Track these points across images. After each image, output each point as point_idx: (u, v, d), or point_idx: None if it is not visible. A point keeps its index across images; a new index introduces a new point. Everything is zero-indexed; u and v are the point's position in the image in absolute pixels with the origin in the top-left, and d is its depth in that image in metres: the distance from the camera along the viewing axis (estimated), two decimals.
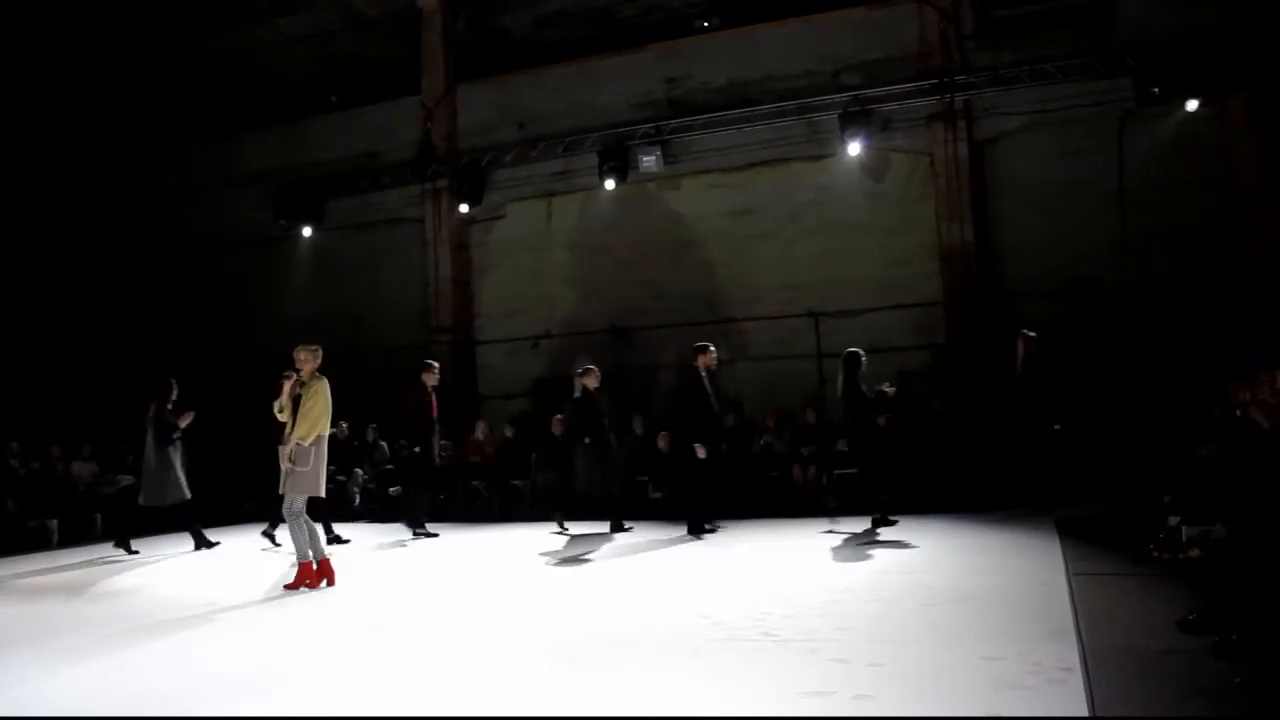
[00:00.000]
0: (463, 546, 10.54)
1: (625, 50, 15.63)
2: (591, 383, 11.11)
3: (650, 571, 8.31)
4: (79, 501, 13.06)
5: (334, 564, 7.99)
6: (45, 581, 9.06)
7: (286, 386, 7.89)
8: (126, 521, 11.08)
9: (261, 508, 11.77)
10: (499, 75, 16.61)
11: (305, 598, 7.52)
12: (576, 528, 11.07)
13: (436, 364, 11.66)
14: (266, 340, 17.31)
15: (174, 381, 10.81)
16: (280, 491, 7.85)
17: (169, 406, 10.69)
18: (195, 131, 18.16)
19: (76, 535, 12.22)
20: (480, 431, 14.13)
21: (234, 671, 5.21)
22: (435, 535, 11.23)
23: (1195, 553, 6.82)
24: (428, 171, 16.43)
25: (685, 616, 6.02)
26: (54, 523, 12.36)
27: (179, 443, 10.75)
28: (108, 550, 10.71)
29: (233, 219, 17.82)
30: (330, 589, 7.75)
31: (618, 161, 14.85)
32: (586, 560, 9.03)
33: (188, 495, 10.72)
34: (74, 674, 5.26)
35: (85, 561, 10.29)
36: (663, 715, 4.10)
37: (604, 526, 10.98)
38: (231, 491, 14.10)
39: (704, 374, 10.52)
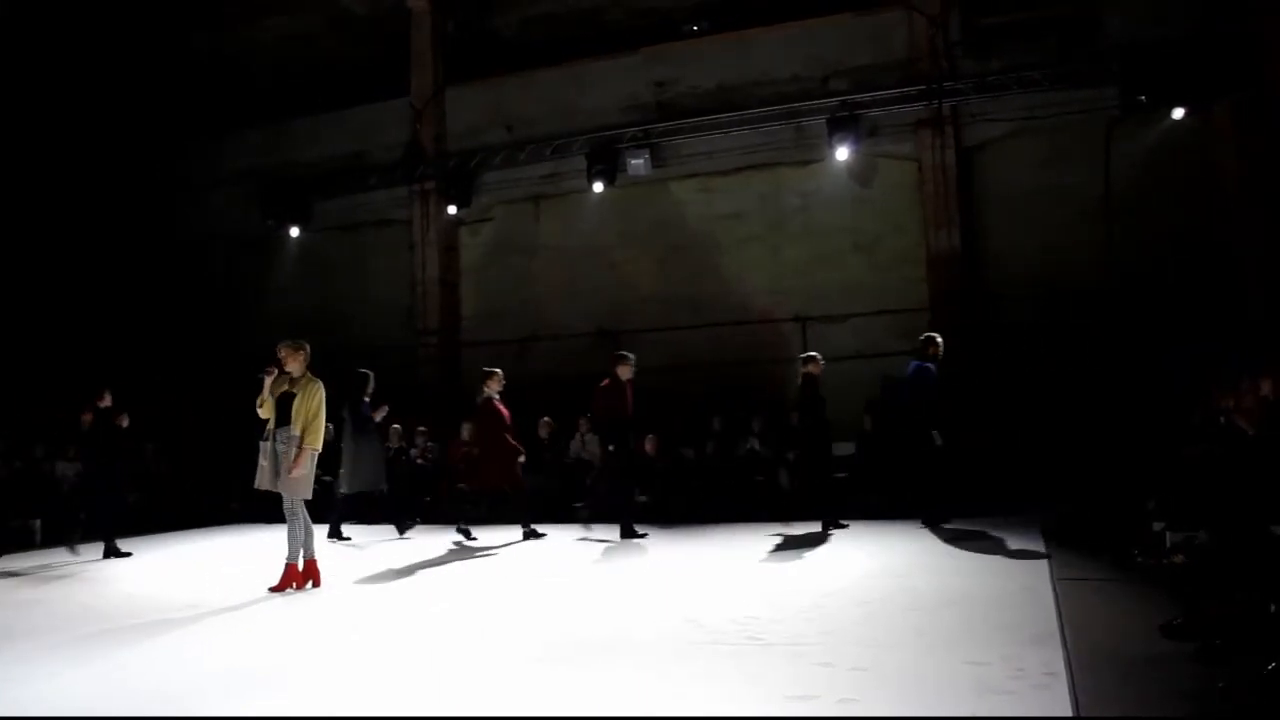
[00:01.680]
0: (448, 548, 10.51)
1: (614, 53, 15.63)
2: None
3: (636, 575, 8.31)
4: (62, 501, 12.97)
5: (328, 564, 7.95)
6: (38, 580, 9.00)
7: (267, 382, 7.86)
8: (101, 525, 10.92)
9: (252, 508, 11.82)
10: (488, 77, 16.58)
11: (300, 597, 7.49)
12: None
13: (631, 355, 10.97)
14: (252, 339, 17.30)
15: (371, 374, 11.43)
16: (256, 486, 7.80)
17: (366, 399, 11.25)
18: (183, 130, 18.06)
19: (60, 535, 12.14)
20: (466, 433, 14.06)
21: (233, 671, 5.19)
22: (644, 535, 10.56)
23: (1179, 558, 6.85)
24: (416, 173, 16.39)
25: (670, 619, 6.01)
26: (36, 522, 12.28)
27: (376, 433, 11.34)
28: (97, 549, 10.64)
29: (220, 218, 17.75)
30: (318, 590, 7.72)
31: (606, 164, 14.84)
32: (571, 563, 9.02)
33: (385, 485, 11.37)
34: (75, 674, 5.22)
35: (74, 561, 10.23)
36: (645, 716, 4.09)
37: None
38: (217, 491, 14.03)
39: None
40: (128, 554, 10.37)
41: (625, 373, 10.70)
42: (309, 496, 7.79)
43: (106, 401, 10.54)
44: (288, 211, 16.82)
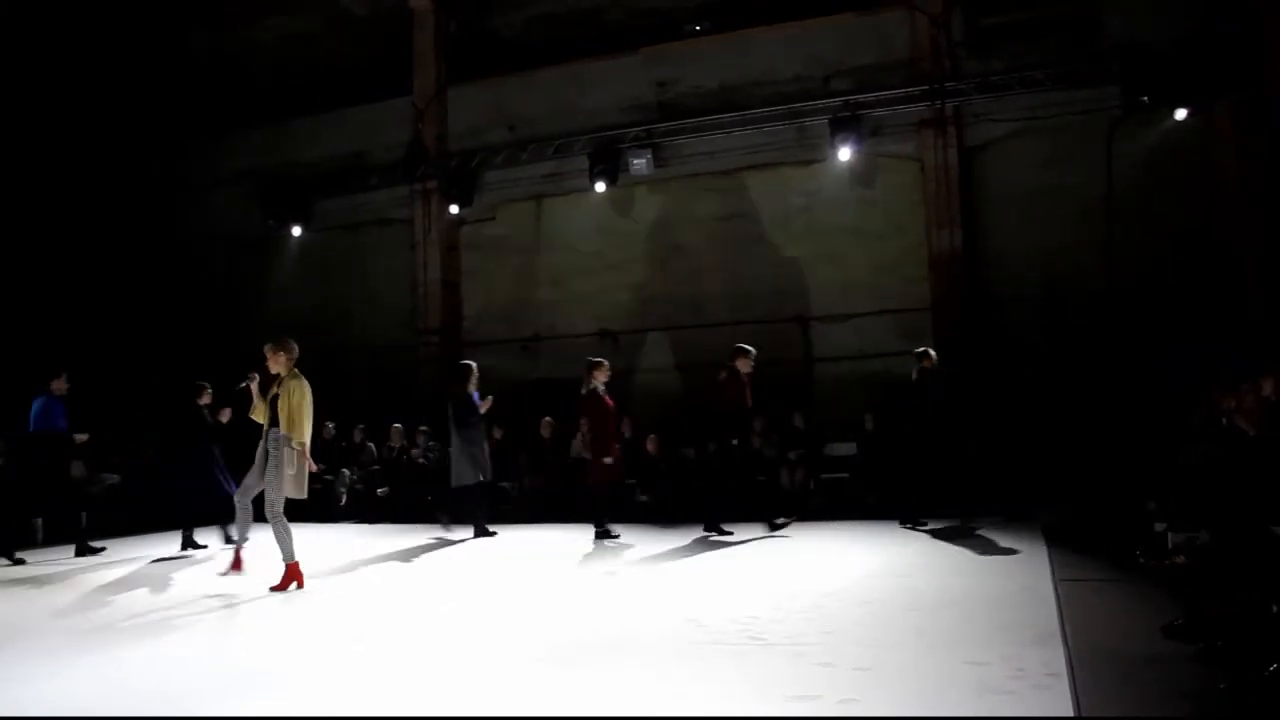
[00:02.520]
0: (449, 548, 10.51)
1: (616, 53, 15.62)
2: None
3: (637, 574, 8.30)
4: (65, 499, 12.94)
5: (329, 564, 7.97)
6: (38, 579, 9.00)
7: (253, 387, 7.87)
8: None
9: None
10: (490, 77, 16.58)
11: (302, 597, 7.49)
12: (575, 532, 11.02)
13: (752, 349, 10.73)
14: (253, 340, 17.27)
15: (474, 365, 11.30)
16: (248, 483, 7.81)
17: (471, 392, 11.09)
18: (183, 130, 18.06)
19: (62, 533, 12.12)
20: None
21: (233, 671, 5.20)
22: (785, 524, 10.47)
23: (1180, 559, 6.85)
24: (417, 172, 16.39)
25: (671, 619, 6.01)
26: (39, 520, 12.27)
27: (480, 427, 11.13)
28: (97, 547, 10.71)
29: (221, 218, 17.76)
30: (317, 590, 7.72)
31: (608, 164, 14.84)
32: (572, 562, 9.02)
33: (487, 478, 11.19)
34: (75, 674, 5.22)
35: (73, 559, 10.23)
36: (647, 716, 4.10)
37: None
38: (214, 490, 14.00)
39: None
40: (203, 546, 10.60)
41: (745, 366, 10.53)
42: (302, 496, 7.73)
43: (207, 399, 10.72)
44: (289, 211, 16.82)
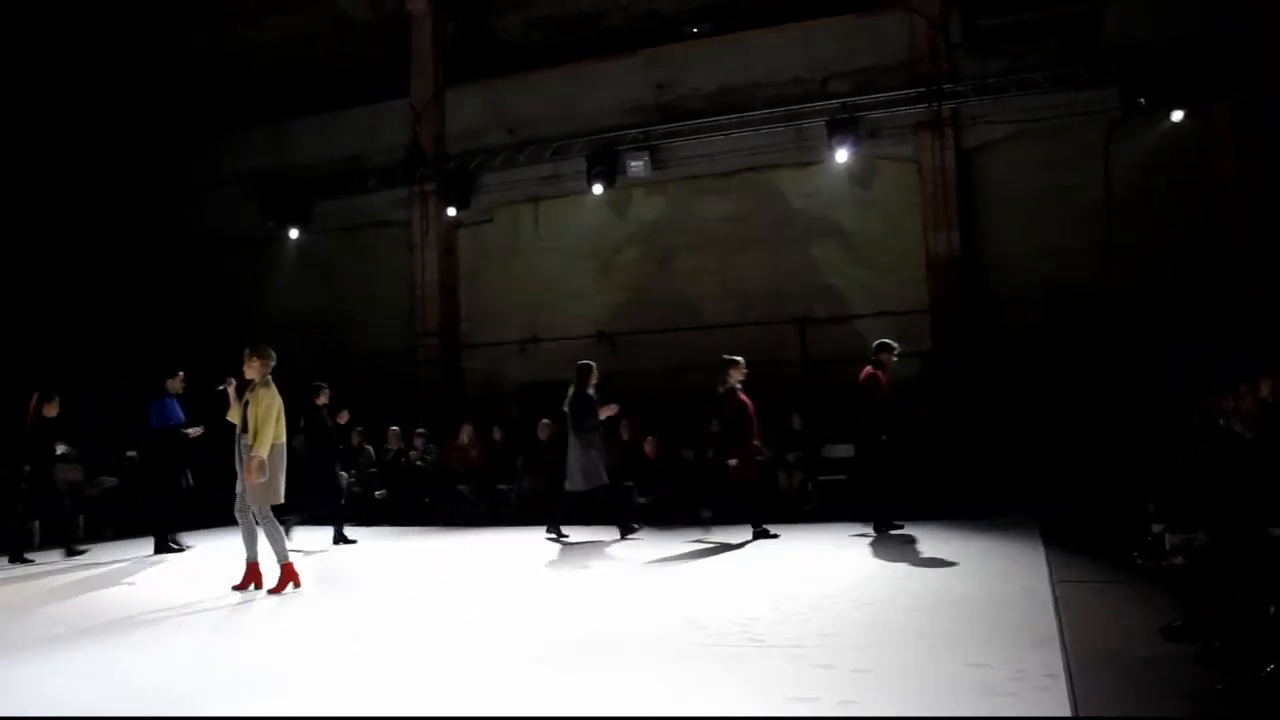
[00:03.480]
0: (449, 550, 10.51)
1: (615, 55, 15.62)
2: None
3: (636, 576, 8.30)
4: (62, 503, 12.93)
5: (331, 565, 7.96)
6: (39, 579, 9.00)
7: (231, 390, 7.93)
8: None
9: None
10: (488, 79, 16.57)
11: (300, 599, 7.50)
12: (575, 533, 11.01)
13: (896, 345, 10.63)
14: (253, 340, 17.24)
15: (594, 365, 11.06)
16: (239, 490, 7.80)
17: (590, 393, 10.86)
18: (183, 130, 18.02)
19: (59, 537, 12.11)
20: (465, 435, 14.07)
21: (232, 671, 5.21)
22: (899, 527, 10.15)
23: (1179, 560, 6.85)
24: (416, 174, 16.38)
25: (670, 621, 6.02)
26: (35, 524, 12.25)
27: (597, 432, 10.89)
28: (91, 551, 10.75)
29: (219, 219, 17.72)
30: (319, 590, 7.72)
31: (606, 166, 14.83)
32: (571, 564, 9.02)
33: (605, 480, 10.87)
34: (75, 674, 5.23)
35: (71, 564, 10.23)
36: (646, 717, 4.10)
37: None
38: (216, 493, 13.99)
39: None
40: (354, 541, 11.05)
41: (889, 360, 10.46)
42: (277, 501, 7.77)
43: (324, 399, 11.01)
44: (288, 212, 16.80)
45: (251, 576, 7.80)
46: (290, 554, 7.82)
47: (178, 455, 10.78)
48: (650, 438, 12.90)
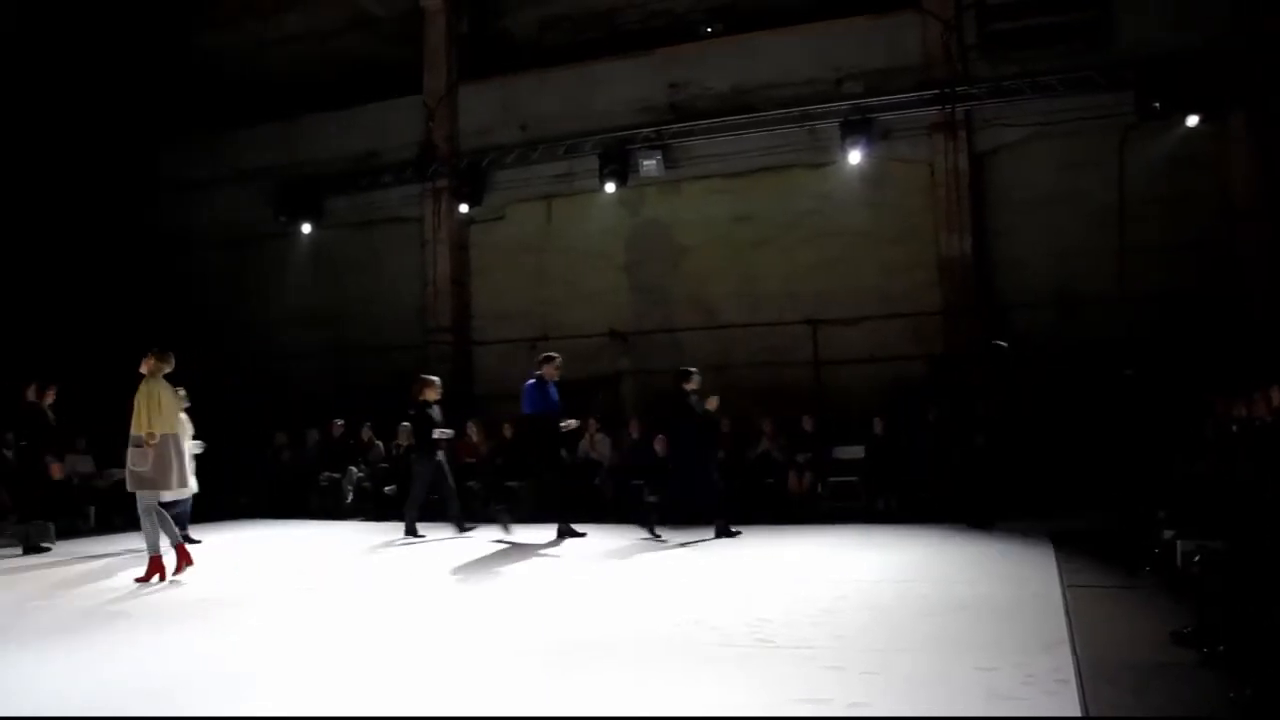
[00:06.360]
0: (456, 547, 10.52)
1: (628, 54, 15.63)
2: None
3: (644, 576, 8.30)
4: (72, 495, 13.00)
5: (333, 561, 7.97)
6: (39, 579, 9.02)
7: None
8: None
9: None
10: (501, 76, 16.59)
11: (303, 597, 7.52)
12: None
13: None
14: (265, 336, 17.34)
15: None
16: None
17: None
18: (195, 126, 18.09)
19: (69, 530, 12.17)
20: (473, 432, 14.09)
21: (231, 671, 5.19)
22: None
23: (1191, 566, 6.83)
24: (428, 171, 16.41)
25: (679, 621, 6.02)
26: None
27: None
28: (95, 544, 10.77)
29: (232, 214, 17.78)
30: (319, 589, 7.74)
31: (618, 165, 14.84)
32: (580, 563, 9.02)
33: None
34: (74, 673, 5.22)
35: (75, 557, 10.26)
36: (653, 717, 4.10)
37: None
38: (225, 487, 14.05)
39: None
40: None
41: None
42: (165, 488, 8.22)
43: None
44: (300, 208, 16.86)
45: (155, 568, 8.07)
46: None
47: (548, 438, 10.84)
48: (660, 437, 12.90)
